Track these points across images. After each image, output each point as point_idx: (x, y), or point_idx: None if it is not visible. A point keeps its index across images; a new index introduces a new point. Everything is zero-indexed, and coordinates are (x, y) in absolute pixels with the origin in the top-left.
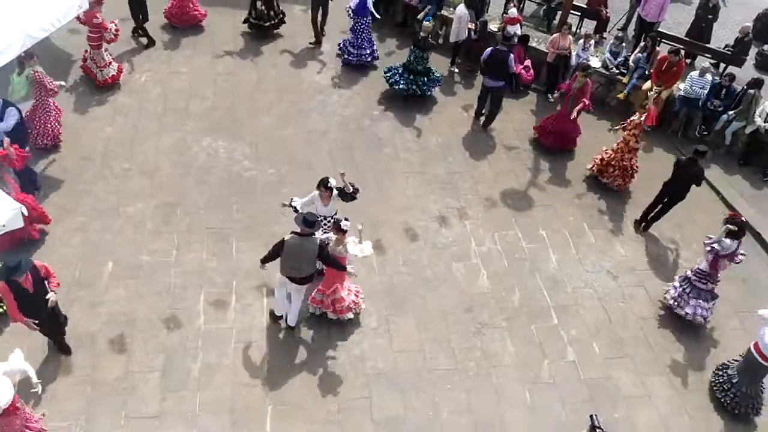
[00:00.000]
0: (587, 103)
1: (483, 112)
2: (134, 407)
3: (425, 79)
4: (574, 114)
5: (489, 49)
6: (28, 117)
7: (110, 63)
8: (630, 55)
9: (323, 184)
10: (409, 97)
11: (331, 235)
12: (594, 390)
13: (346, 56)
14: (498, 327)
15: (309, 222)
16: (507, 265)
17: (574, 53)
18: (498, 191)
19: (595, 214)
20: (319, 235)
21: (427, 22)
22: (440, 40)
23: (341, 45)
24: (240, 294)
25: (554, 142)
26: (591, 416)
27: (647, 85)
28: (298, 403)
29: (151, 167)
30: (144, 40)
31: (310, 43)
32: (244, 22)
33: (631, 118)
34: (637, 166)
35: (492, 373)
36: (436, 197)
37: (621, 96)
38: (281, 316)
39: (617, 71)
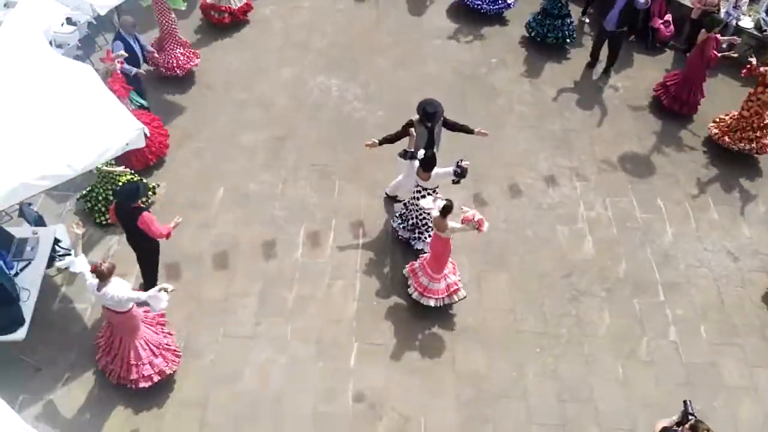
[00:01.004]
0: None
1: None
2: (231, 327)
3: (565, 23)
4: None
5: None
6: (157, 41)
7: None
8: None
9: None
10: (529, 46)
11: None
12: (694, 375)
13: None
14: (597, 296)
15: (429, 113)
16: (616, 233)
17: (723, 10)
18: (616, 154)
19: (722, 188)
20: (430, 202)
21: None
22: None
23: None
24: (338, 232)
25: (672, 104)
26: (685, 401)
27: None
28: (382, 345)
29: (267, 100)
30: None
31: None
32: None
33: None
34: None
35: (584, 342)
36: (547, 154)
37: None
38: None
39: None
